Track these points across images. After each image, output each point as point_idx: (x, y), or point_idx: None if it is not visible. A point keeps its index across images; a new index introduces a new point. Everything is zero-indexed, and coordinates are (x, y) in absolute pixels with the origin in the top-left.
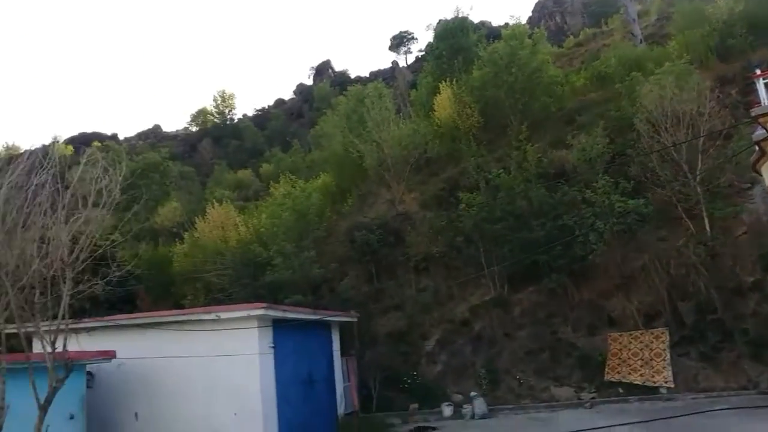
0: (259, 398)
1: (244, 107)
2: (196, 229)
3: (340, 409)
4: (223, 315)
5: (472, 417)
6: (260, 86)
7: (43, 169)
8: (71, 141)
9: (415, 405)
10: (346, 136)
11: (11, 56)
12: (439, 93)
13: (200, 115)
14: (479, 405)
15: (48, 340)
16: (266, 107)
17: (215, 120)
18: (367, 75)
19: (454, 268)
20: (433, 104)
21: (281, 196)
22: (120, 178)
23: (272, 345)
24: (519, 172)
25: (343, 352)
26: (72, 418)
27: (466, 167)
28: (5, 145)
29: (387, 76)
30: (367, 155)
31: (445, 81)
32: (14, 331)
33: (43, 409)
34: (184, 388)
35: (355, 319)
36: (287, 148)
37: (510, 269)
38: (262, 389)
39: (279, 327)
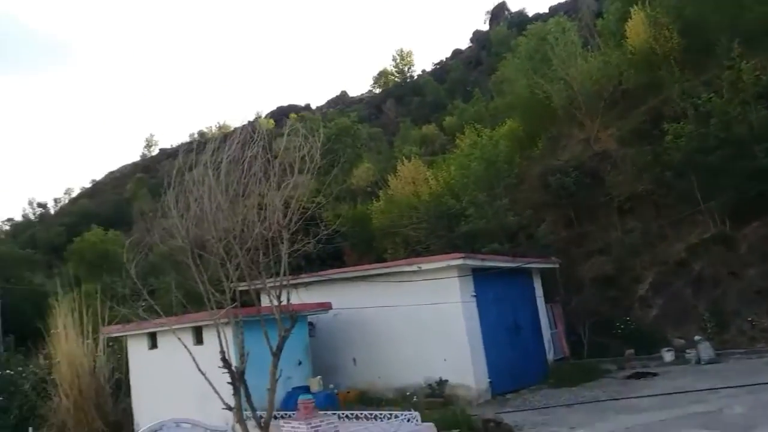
0: (466, 345)
1: (423, 63)
2: (389, 186)
3: (549, 355)
4: (424, 266)
5: (698, 362)
6: (437, 39)
7: (254, 142)
8: (271, 115)
9: (631, 350)
10: (530, 77)
11: (217, 47)
12: (631, 18)
13: (381, 77)
14: (705, 349)
15: (274, 294)
16: (444, 59)
17: (396, 79)
18: (547, 10)
19: (664, 206)
20: (624, 31)
21: (468, 147)
22: (319, 144)
23: (474, 293)
24: (734, 94)
25: (547, 299)
26: (300, 364)
27: (669, 95)
28: (217, 124)
29: (568, 9)
30: (555, 95)
31: (637, 3)
32: (245, 288)
33: (276, 356)
34: (396, 335)
35: (557, 266)
36: (468, 98)
37: (731, 203)
38: (468, 336)
39: (479, 276)
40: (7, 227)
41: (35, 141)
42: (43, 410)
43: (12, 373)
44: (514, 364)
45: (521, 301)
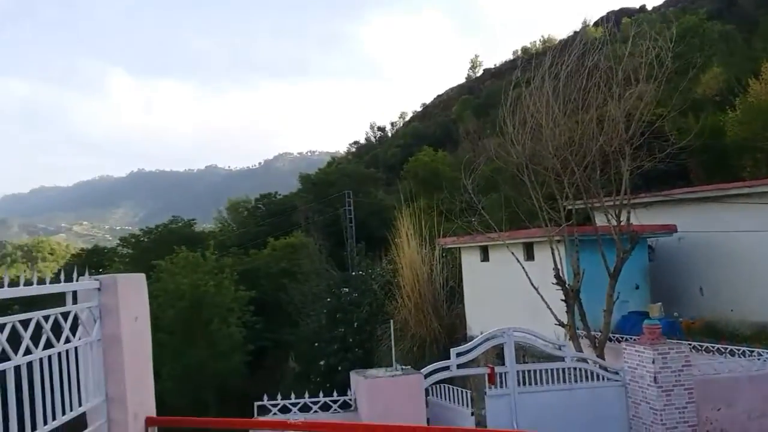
0: None
1: None
2: (748, 92)
3: None
4: None
5: None
6: None
7: (595, 50)
8: (600, 22)
9: None
10: None
11: None
12: None
13: None
14: None
15: (612, 214)
16: None
17: None
18: None
19: None
20: None
21: None
22: (670, 45)
23: None
24: None
25: None
26: (637, 288)
27: None
28: (542, 38)
29: None
30: None
31: None
32: (580, 205)
33: (613, 277)
34: (756, 264)
35: None
36: None
37: None
38: None
39: None
40: (354, 149)
41: (376, 72)
42: (388, 308)
43: (363, 273)
44: None
45: None
